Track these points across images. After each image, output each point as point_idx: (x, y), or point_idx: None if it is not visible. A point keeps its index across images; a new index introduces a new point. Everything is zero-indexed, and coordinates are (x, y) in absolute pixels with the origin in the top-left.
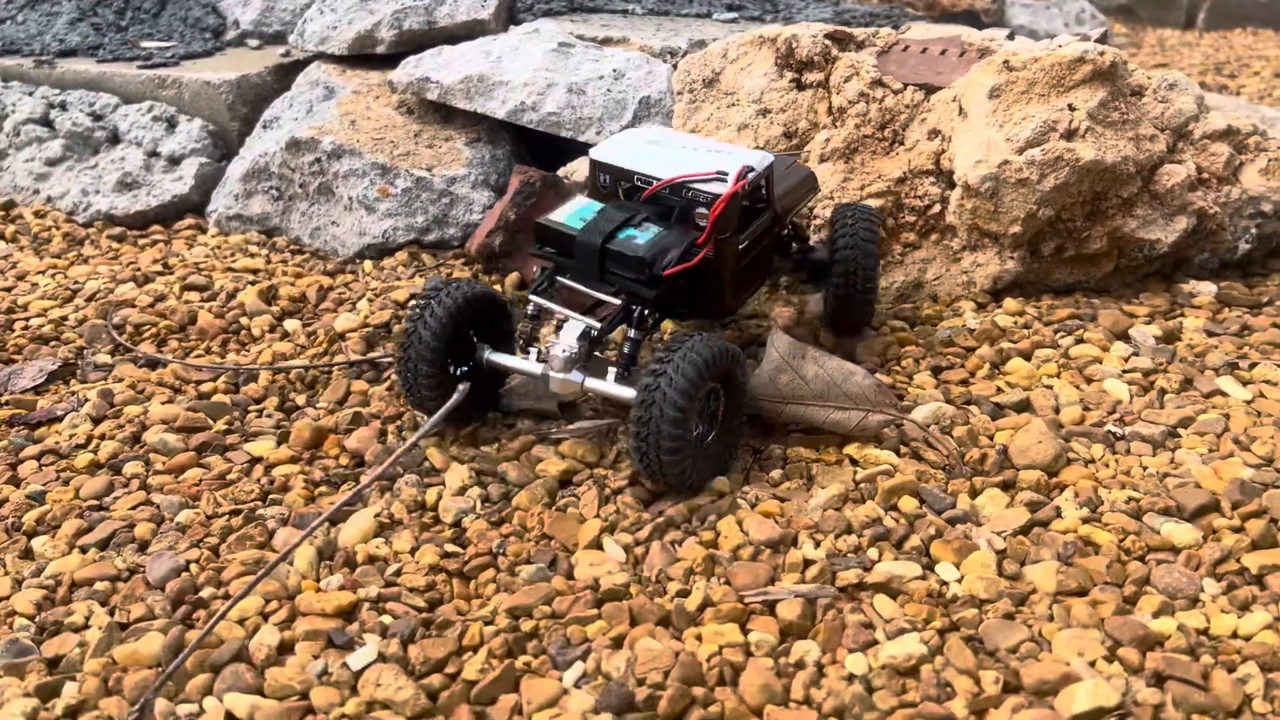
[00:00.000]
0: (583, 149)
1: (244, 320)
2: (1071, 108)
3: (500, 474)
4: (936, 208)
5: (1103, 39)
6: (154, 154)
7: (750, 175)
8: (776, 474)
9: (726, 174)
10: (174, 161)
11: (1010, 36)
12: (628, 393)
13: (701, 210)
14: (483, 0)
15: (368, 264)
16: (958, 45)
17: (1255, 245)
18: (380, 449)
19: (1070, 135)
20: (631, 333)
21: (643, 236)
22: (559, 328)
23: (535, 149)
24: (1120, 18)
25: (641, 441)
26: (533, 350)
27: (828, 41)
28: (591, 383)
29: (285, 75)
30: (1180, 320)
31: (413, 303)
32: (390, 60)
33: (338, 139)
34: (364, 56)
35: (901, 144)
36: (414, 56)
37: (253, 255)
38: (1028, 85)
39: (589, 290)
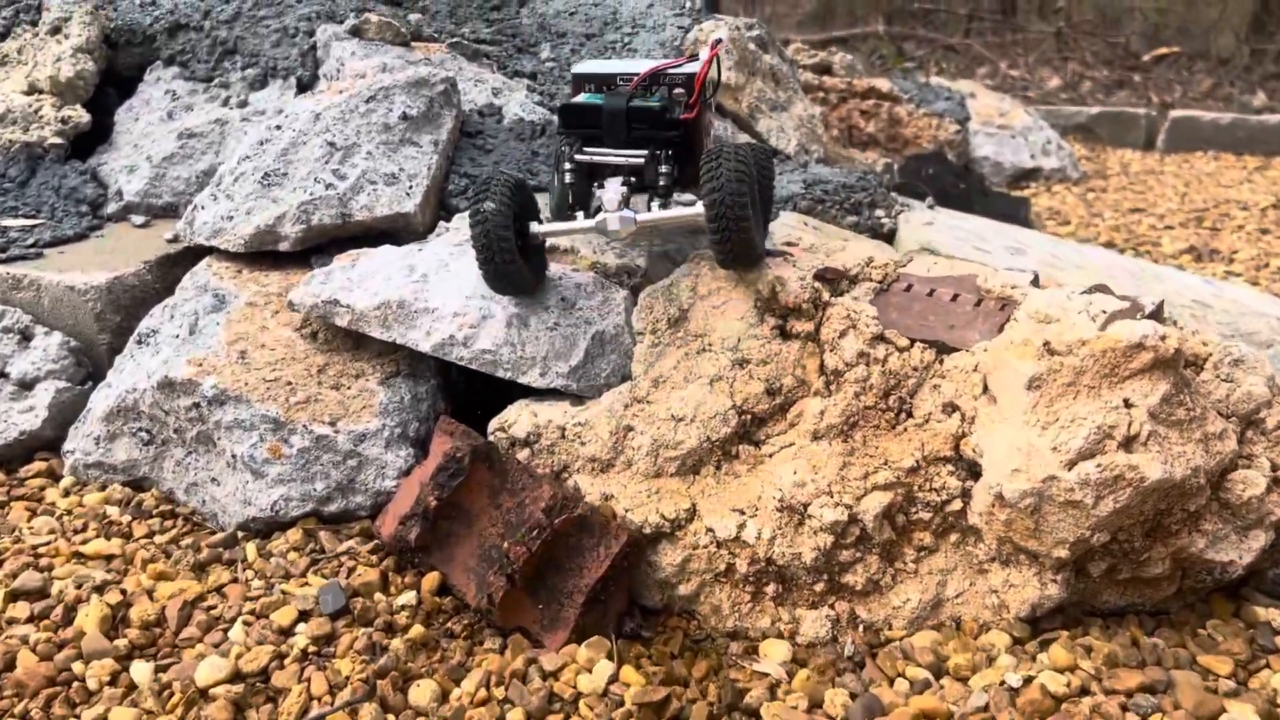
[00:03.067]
0: (525, 391)
1: (78, 667)
2: (1128, 404)
3: None
4: (957, 503)
5: (1158, 312)
6: (1, 375)
7: (719, 45)
8: None
9: (696, 55)
10: (25, 387)
11: (1034, 280)
12: (687, 211)
13: (679, 90)
14: (407, 189)
15: (251, 548)
16: (972, 289)
17: None
18: None
19: (1129, 443)
20: (663, 168)
21: (653, 100)
22: (599, 186)
23: (469, 374)
24: (1080, 137)
25: (720, 221)
26: (578, 213)
27: (817, 285)
28: (644, 216)
29: (170, 270)
30: (1267, 672)
31: (475, 193)
32: (297, 258)
33: (221, 381)
34: (266, 252)
35: (909, 415)
36: (320, 270)
37: (110, 527)
38: (1074, 375)
39: (614, 153)
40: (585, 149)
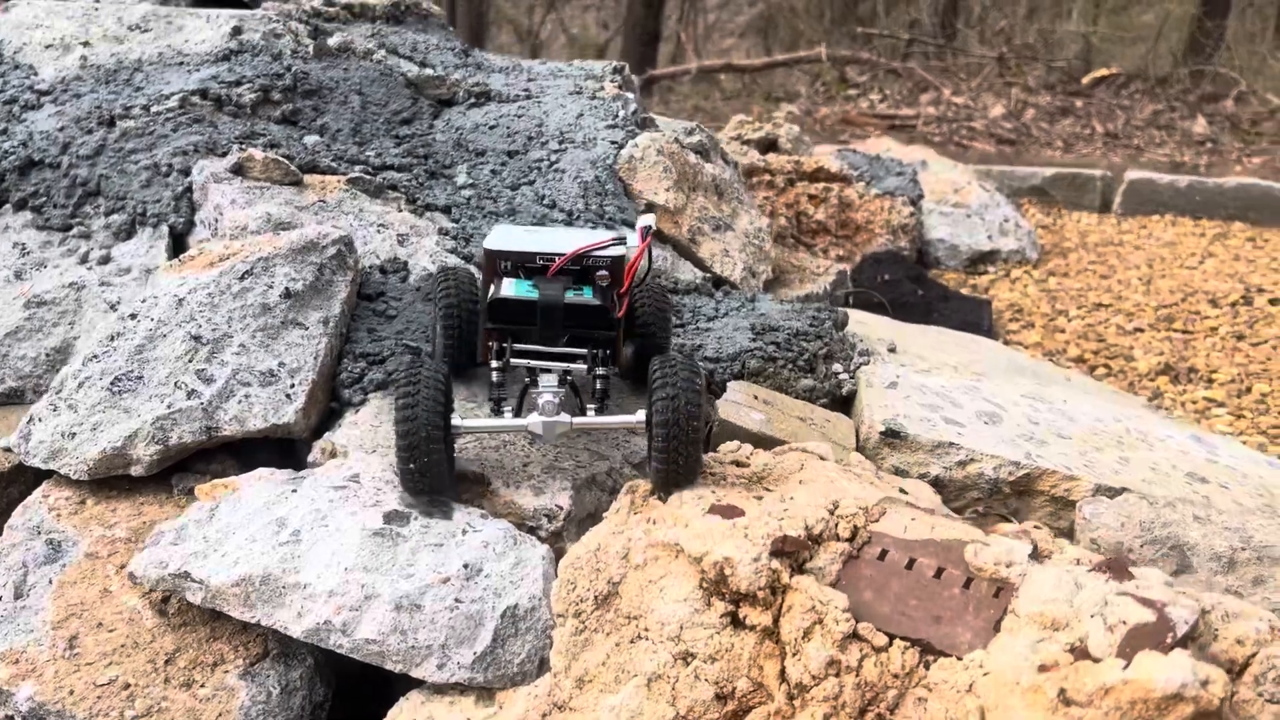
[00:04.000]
0: (419, 683)
1: None
2: None
3: None
4: None
5: (1192, 632)
6: None
7: (649, 233)
8: None
9: (624, 238)
10: None
11: (1034, 552)
12: (624, 419)
13: (602, 273)
14: (287, 389)
15: None
16: (959, 563)
17: None
18: None
19: None
20: (600, 370)
21: (585, 293)
22: (531, 382)
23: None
24: (1034, 200)
25: (670, 442)
26: (506, 409)
27: (775, 566)
28: (578, 420)
29: (2, 490)
30: None
31: (402, 387)
32: (155, 479)
33: (38, 690)
34: (119, 477)
35: None
36: (169, 527)
37: None
38: None
39: (546, 350)
40: (517, 346)
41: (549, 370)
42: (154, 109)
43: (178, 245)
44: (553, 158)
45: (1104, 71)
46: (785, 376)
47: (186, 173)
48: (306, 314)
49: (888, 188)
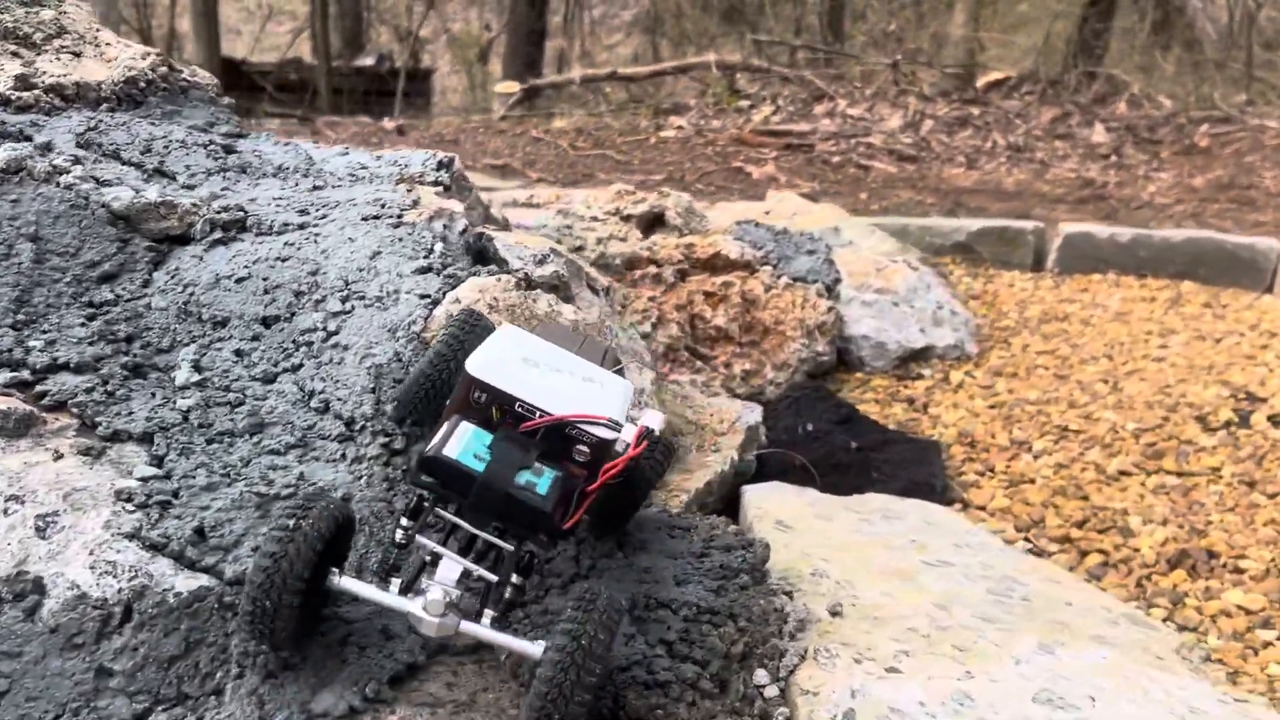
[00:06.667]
0: None
1: None
2: None
3: None
4: None
5: None
6: None
7: (648, 439)
8: None
9: (619, 423)
10: None
11: None
12: (521, 645)
13: (582, 448)
14: None
15: None
16: None
17: None
18: None
19: None
20: (515, 579)
21: (541, 484)
22: (432, 563)
23: None
24: (959, 257)
25: (549, 702)
26: (394, 581)
27: None
28: (469, 627)
29: None
30: None
31: (278, 526)
32: None
33: None
34: None
35: None
36: None
37: None
38: None
39: (471, 528)
40: (438, 510)
41: (454, 561)
42: None
43: None
44: (331, 325)
45: (997, 75)
46: (684, 717)
47: None
48: None
49: (798, 272)
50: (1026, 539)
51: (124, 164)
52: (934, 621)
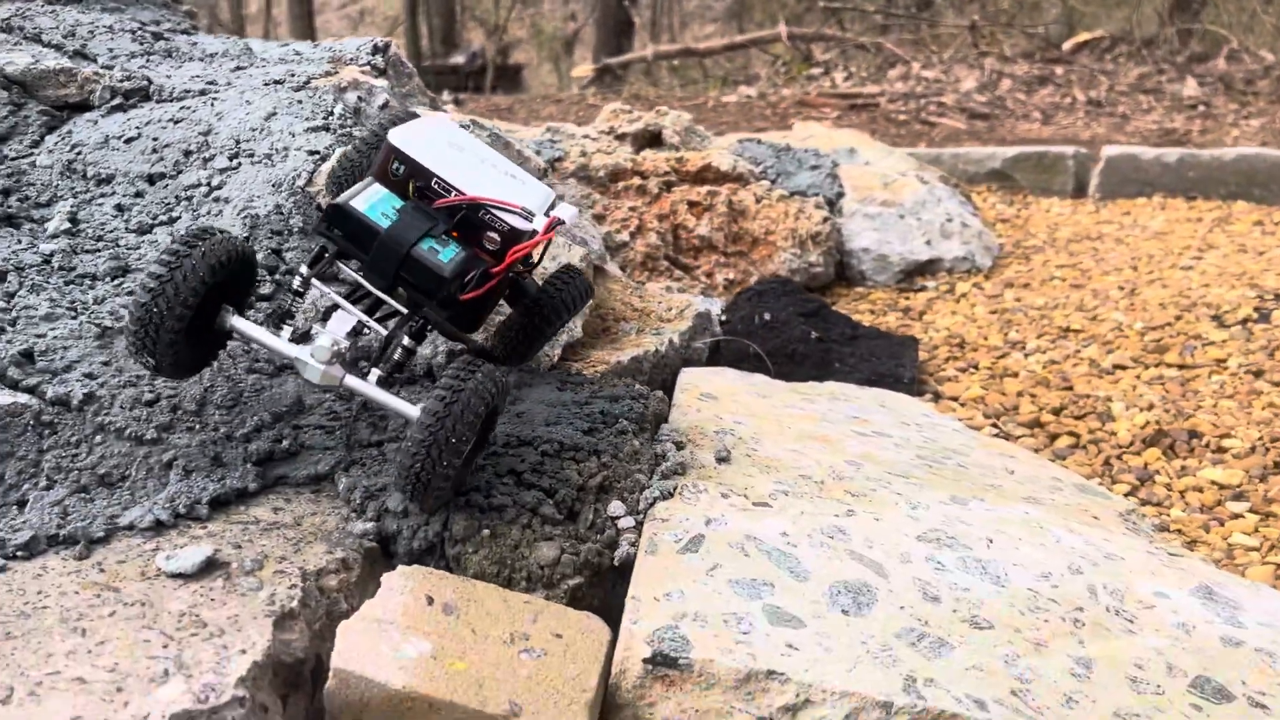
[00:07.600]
0: None
1: None
2: None
3: None
4: None
5: None
6: None
7: (558, 228)
8: None
9: (532, 213)
10: None
11: None
12: (399, 405)
13: (492, 235)
14: None
15: None
16: None
17: None
18: None
19: None
20: (407, 342)
21: (445, 253)
22: (327, 314)
23: None
24: (995, 185)
25: (416, 460)
26: (287, 327)
27: None
28: (355, 383)
29: None
30: None
31: (167, 251)
32: None
33: None
34: None
35: None
36: None
37: None
38: None
39: (371, 287)
40: (340, 262)
41: (348, 313)
42: None
43: None
44: (216, 180)
45: (1086, 35)
46: (517, 539)
47: None
48: None
49: (798, 186)
50: (994, 425)
51: (44, 45)
52: (834, 473)
